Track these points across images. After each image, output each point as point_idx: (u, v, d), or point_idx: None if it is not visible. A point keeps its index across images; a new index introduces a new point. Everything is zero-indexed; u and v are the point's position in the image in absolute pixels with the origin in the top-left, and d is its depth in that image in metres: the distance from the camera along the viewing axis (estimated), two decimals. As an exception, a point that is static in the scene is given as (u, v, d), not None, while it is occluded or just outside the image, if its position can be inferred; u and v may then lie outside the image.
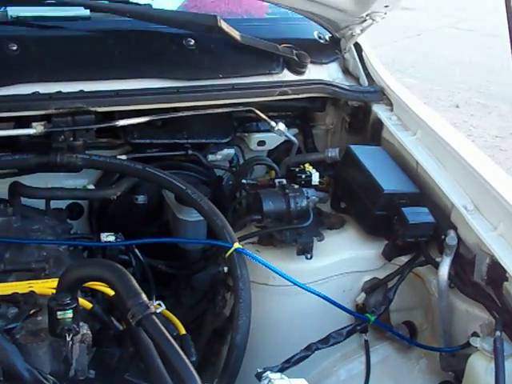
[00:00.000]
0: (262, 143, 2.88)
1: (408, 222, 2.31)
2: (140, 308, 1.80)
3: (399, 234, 2.36)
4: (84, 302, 2.02)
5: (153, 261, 2.50)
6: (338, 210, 2.63)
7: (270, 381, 1.81)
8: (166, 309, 2.49)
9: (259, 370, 1.93)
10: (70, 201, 2.74)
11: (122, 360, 2.01)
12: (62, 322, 1.81)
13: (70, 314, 1.81)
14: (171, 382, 1.81)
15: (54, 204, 2.57)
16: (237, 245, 2.17)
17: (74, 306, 1.82)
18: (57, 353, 1.85)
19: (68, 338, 1.80)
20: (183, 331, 2.15)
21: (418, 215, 2.34)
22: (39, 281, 2.04)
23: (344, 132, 2.96)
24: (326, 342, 2.26)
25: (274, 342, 2.46)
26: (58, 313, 1.81)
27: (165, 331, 1.80)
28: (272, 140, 2.88)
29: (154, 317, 1.81)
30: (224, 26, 2.58)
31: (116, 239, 2.35)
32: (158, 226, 2.73)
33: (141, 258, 2.37)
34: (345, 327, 2.30)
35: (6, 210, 2.38)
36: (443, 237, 2.29)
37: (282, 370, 2.10)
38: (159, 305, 1.97)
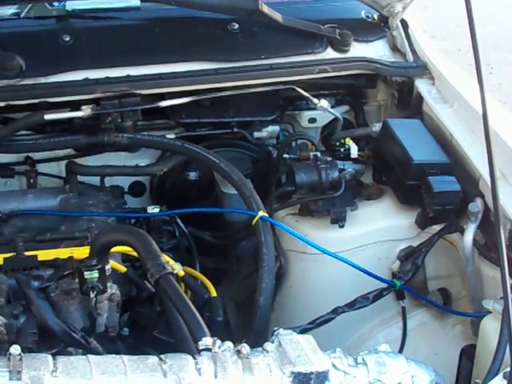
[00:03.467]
0: (312, 120, 3.00)
1: (433, 191, 2.38)
2: (158, 268, 1.96)
3: (426, 202, 2.43)
4: (119, 266, 2.21)
5: (198, 231, 2.68)
6: (378, 182, 2.72)
7: (278, 335, 1.94)
8: (219, 280, 2.68)
9: (275, 328, 2.07)
10: (133, 179, 2.95)
11: (150, 319, 2.19)
12: (88, 281, 2.01)
13: (95, 274, 2.00)
14: (189, 335, 1.96)
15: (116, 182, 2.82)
16: (261, 213, 2.31)
17: (99, 267, 2.01)
18: (87, 310, 2.05)
19: (92, 295, 1.99)
20: (214, 294, 2.31)
21: (443, 184, 2.41)
22: (80, 248, 2.25)
23: (394, 107, 3.04)
24: (352, 305, 2.36)
25: (311, 308, 2.56)
26: (85, 273, 2.00)
27: (179, 289, 1.96)
28: (323, 117, 2.99)
29: (170, 276, 1.97)
30: (265, 9, 2.72)
31: (160, 212, 2.54)
32: (210, 201, 2.89)
33: (183, 227, 2.54)
34: (371, 292, 2.39)
35: (64, 188, 2.62)
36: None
37: (304, 330, 2.22)
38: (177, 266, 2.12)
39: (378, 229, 2.58)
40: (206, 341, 1.82)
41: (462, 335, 2.49)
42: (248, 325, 2.57)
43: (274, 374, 1.79)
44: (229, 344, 1.83)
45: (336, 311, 2.33)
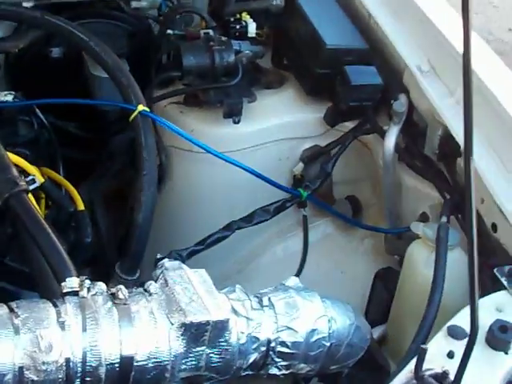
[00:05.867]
0: None
1: (351, 83, 2.01)
2: (7, 185, 1.53)
3: (341, 96, 2.06)
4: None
5: (62, 122, 2.21)
6: (279, 67, 2.32)
7: (163, 270, 1.55)
8: (80, 177, 2.25)
9: (159, 256, 1.67)
10: None
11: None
12: None
13: None
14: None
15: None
16: (141, 107, 1.85)
17: None
18: None
19: None
20: (81, 207, 1.88)
21: (362, 75, 2.05)
22: None
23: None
24: (250, 220, 1.98)
25: (196, 220, 2.22)
26: None
27: (37, 213, 1.53)
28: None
29: (23, 195, 1.54)
30: None
31: (14, 99, 2.04)
32: (78, 83, 2.40)
33: (42, 118, 2.06)
34: (272, 203, 2.01)
35: None
36: (392, 102, 1.98)
37: (192, 253, 1.83)
38: (33, 180, 1.66)
39: (279, 124, 2.20)
40: (72, 282, 1.43)
41: (373, 251, 2.19)
42: (122, 237, 2.20)
43: (159, 325, 1.43)
44: (101, 286, 1.46)
45: (230, 228, 1.95)
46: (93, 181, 2.32)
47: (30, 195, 1.58)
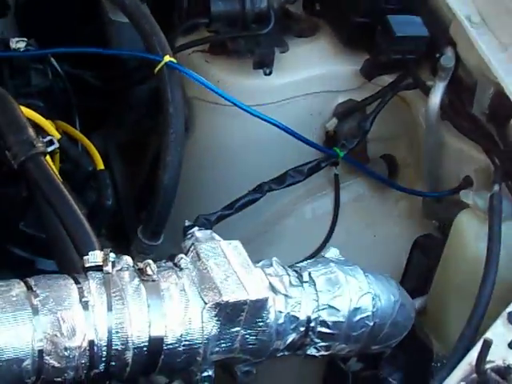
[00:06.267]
0: None
1: (394, 34, 1.84)
2: (23, 146, 1.39)
3: (383, 48, 1.89)
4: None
5: (77, 71, 2.06)
6: (311, 13, 2.13)
7: (194, 241, 1.42)
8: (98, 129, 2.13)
9: (187, 223, 1.53)
10: None
11: (15, 205, 1.61)
12: None
13: None
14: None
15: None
16: (168, 58, 1.69)
17: None
18: None
19: None
20: (101, 166, 1.74)
21: (407, 26, 1.87)
22: None
23: None
24: (282, 181, 1.83)
25: (219, 178, 2.07)
26: None
27: (55, 178, 1.39)
28: None
29: (41, 158, 1.40)
30: None
31: (27, 46, 1.88)
32: (94, 27, 2.23)
33: (57, 67, 1.91)
34: (306, 164, 1.86)
35: None
36: (438, 56, 1.83)
37: (220, 217, 1.69)
38: (51, 141, 1.51)
39: (312, 76, 2.02)
40: (95, 256, 1.29)
41: (408, 214, 2.03)
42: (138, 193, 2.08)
43: (191, 304, 1.31)
44: (127, 260, 1.33)
45: (261, 189, 1.79)
46: (107, 131, 2.19)
47: (47, 157, 1.45)
